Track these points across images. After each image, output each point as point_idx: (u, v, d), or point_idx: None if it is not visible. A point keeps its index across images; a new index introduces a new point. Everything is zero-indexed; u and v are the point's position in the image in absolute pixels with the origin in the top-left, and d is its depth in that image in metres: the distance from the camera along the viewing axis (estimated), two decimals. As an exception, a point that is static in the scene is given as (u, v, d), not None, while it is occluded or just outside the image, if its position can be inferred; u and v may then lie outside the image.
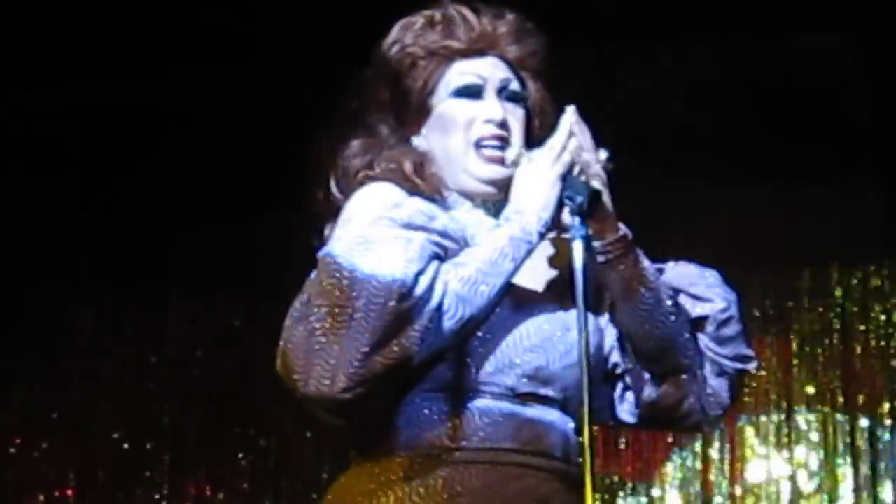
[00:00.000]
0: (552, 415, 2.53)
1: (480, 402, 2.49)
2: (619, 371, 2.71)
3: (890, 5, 5.05)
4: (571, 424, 2.57)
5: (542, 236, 2.53)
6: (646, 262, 2.61)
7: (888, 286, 6.04)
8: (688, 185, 5.45)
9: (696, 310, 2.66)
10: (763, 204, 5.59)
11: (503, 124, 2.64)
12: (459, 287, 2.42)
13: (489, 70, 2.69)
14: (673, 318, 2.61)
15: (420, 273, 2.38)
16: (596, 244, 2.57)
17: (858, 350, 6.03)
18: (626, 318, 2.63)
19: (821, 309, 6.00)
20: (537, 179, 2.53)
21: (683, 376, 2.65)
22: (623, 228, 2.60)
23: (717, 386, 2.66)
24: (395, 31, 2.71)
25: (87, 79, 5.59)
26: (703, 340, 2.66)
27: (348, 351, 2.32)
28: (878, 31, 5.28)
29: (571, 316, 2.55)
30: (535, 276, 2.63)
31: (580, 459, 2.49)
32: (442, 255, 2.46)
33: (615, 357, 2.70)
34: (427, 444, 2.47)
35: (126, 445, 6.24)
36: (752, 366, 2.70)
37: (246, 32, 5.33)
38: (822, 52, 5.38)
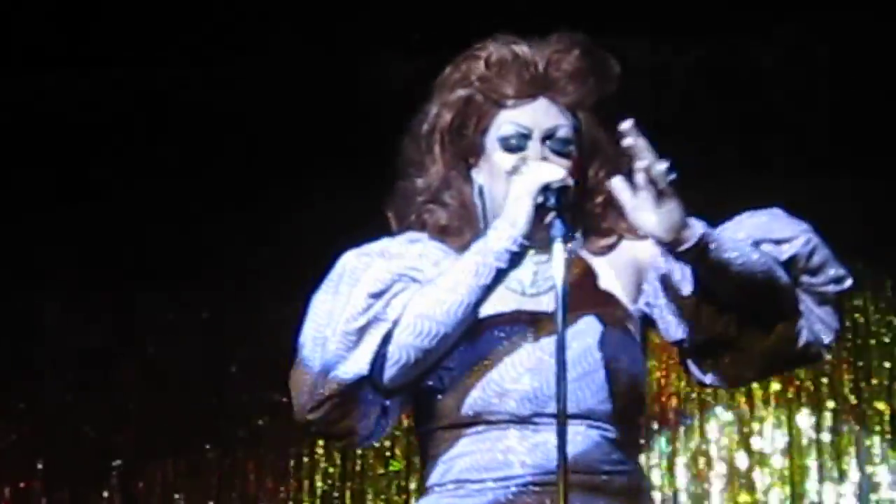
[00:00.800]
0: (573, 430, 2.52)
1: (492, 433, 2.58)
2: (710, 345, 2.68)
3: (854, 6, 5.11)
4: (596, 433, 2.59)
5: (517, 254, 2.54)
6: (727, 246, 2.56)
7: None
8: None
9: (784, 253, 2.65)
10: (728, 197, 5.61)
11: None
12: (422, 305, 2.52)
13: (536, 118, 2.69)
14: (767, 274, 2.59)
15: (374, 295, 2.52)
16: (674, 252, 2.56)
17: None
18: (723, 291, 2.61)
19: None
20: (511, 196, 2.56)
21: (793, 318, 2.66)
22: (695, 233, 2.54)
23: (824, 313, 2.67)
24: (455, 65, 2.75)
25: (53, 67, 5.58)
26: (799, 276, 2.66)
27: (310, 374, 2.52)
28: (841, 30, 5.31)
29: (577, 329, 2.59)
30: (542, 296, 2.67)
31: (609, 468, 2.59)
32: (407, 283, 2.56)
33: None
34: (453, 478, 2.62)
35: (93, 437, 6.20)
36: (848, 283, 2.71)
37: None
38: (785, 48, 5.41)
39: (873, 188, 5.50)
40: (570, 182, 2.56)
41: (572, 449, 2.47)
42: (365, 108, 5.28)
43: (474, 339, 2.62)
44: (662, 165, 2.48)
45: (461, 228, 2.72)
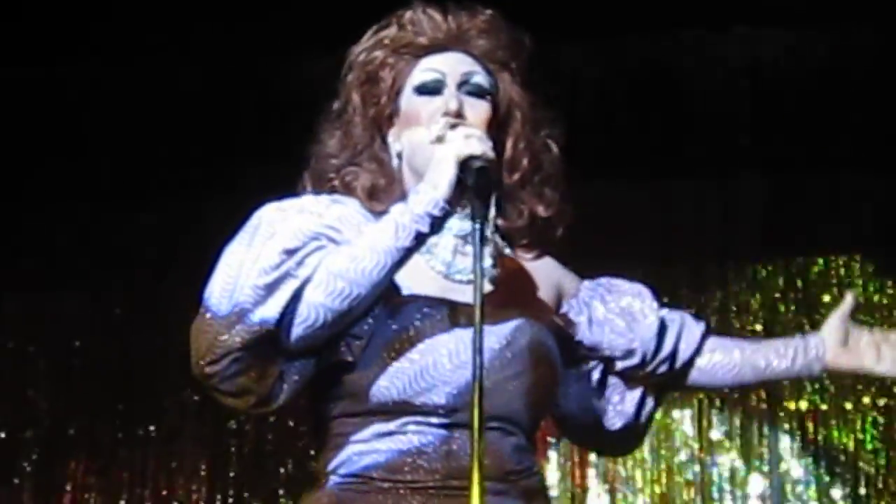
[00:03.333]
0: (490, 435, 2.46)
1: (410, 427, 2.52)
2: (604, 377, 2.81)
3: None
4: (514, 439, 2.55)
5: (438, 218, 2.48)
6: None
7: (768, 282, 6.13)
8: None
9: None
10: (648, 198, 5.65)
11: (459, 116, 2.61)
12: (337, 264, 2.44)
13: (450, 65, 2.68)
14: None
15: (288, 251, 2.43)
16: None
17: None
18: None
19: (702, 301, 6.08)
20: (434, 159, 2.51)
21: None
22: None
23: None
24: (366, 36, 2.73)
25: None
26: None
27: (214, 325, 2.43)
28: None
29: (513, 326, 2.56)
30: (466, 285, 2.60)
31: (520, 470, 2.55)
32: (324, 242, 2.48)
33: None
34: (358, 471, 2.53)
35: (3, 435, 6.22)
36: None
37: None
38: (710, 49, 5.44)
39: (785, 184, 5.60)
40: (491, 156, 2.50)
41: (489, 454, 2.39)
42: (283, 107, 5.26)
43: (395, 315, 2.56)
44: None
45: (386, 191, 2.67)
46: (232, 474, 6.22)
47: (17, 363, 6.24)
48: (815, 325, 5.98)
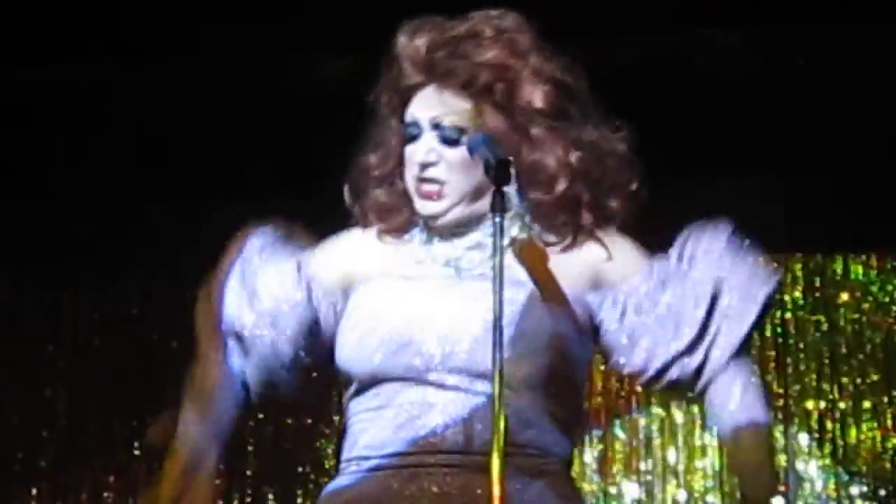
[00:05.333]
0: (460, 403, 2.53)
1: (384, 405, 2.56)
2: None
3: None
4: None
5: None
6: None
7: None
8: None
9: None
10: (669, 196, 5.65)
11: (425, 166, 2.61)
12: None
13: (423, 108, 2.66)
14: None
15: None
16: None
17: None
18: None
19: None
20: None
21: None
22: None
23: None
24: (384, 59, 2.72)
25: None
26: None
27: None
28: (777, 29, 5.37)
29: (522, 305, 2.54)
30: (446, 256, 2.65)
31: (518, 449, 2.50)
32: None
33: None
34: (354, 455, 2.59)
35: (20, 433, 6.24)
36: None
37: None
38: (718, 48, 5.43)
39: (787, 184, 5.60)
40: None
41: (477, 421, 2.48)
42: (294, 107, 5.30)
43: (374, 292, 2.62)
44: None
45: (395, 211, 2.72)
46: (249, 472, 6.23)
47: (34, 363, 6.26)
48: (834, 324, 6.22)
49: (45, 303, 6.26)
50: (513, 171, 2.49)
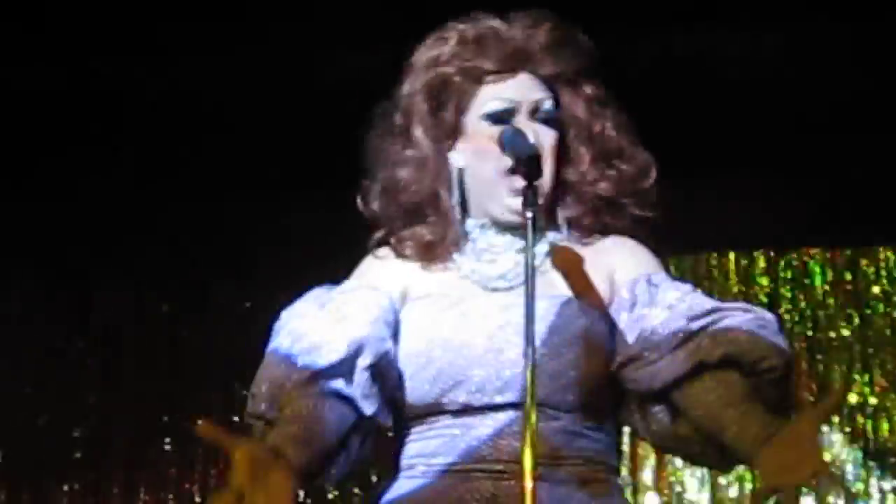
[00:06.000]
0: (511, 419, 2.55)
1: (438, 424, 2.60)
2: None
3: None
4: (558, 423, 2.56)
5: None
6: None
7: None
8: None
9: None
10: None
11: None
12: None
13: (521, 92, 2.69)
14: None
15: None
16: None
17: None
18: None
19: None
20: None
21: None
22: None
23: None
24: (427, 46, 2.74)
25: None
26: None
27: None
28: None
29: (556, 311, 2.56)
30: (488, 277, 2.68)
31: (568, 460, 2.56)
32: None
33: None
34: (402, 465, 2.65)
35: (52, 430, 6.22)
36: None
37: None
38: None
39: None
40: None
41: (514, 442, 2.50)
42: (321, 105, 5.28)
43: (416, 320, 2.63)
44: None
45: (443, 238, 2.73)
46: None
47: (64, 361, 6.26)
48: (865, 318, 6.19)
49: (75, 300, 6.26)
50: (545, 168, 2.60)
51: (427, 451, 2.62)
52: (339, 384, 2.55)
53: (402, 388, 2.64)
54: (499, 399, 2.57)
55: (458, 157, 2.72)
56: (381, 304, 2.65)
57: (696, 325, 2.51)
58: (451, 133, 2.72)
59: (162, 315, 6.16)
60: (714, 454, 2.51)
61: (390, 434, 2.71)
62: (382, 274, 2.72)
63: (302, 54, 5.41)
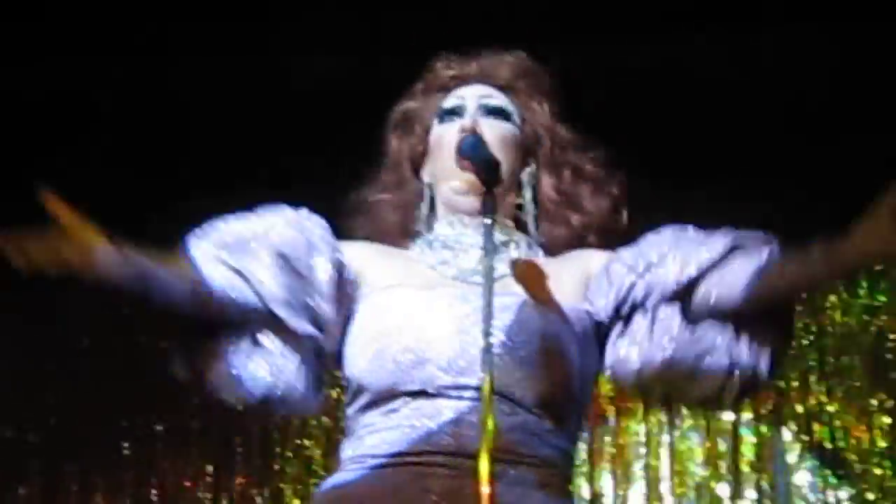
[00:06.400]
0: (468, 411, 2.58)
1: (395, 415, 2.63)
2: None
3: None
4: (515, 418, 2.59)
5: None
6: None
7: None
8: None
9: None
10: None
11: (473, 131, 2.76)
12: None
13: (470, 92, 2.87)
14: None
15: None
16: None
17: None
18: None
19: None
20: None
21: None
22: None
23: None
24: (404, 94, 2.98)
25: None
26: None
27: None
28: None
29: (500, 299, 2.56)
30: (454, 270, 2.77)
31: (522, 459, 2.59)
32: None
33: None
34: (360, 454, 2.65)
35: (9, 435, 6.31)
36: None
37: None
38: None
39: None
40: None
41: (473, 429, 2.51)
42: (296, 109, 5.30)
43: (378, 304, 2.69)
44: None
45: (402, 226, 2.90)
46: (238, 473, 6.31)
47: (23, 365, 6.24)
48: (822, 328, 6.23)
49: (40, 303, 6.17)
50: (502, 173, 2.67)
51: (385, 443, 2.64)
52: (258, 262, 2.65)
53: (354, 369, 2.69)
54: (462, 381, 2.60)
55: (427, 174, 2.89)
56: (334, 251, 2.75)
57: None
58: (421, 155, 2.92)
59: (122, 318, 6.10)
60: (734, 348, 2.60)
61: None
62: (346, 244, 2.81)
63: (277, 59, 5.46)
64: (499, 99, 2.89)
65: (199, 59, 5.46)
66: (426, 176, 2.90)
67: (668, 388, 2.74)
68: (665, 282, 2.68)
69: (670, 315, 2.70)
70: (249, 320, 2.68)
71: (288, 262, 2.69)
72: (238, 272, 2.67)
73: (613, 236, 2.86)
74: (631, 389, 2.82)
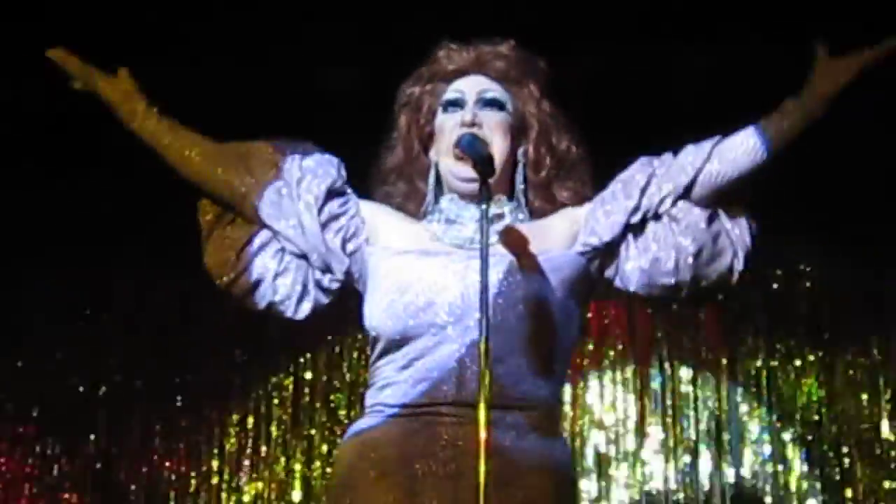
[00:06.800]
0: (472, 358, 2.70)
1: (407, 366, 2.77)
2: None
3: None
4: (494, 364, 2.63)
5: None
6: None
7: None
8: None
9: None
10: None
11: (472, 125, 2.93)
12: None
13: (469, 85, 3.00)
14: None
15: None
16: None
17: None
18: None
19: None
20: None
21: None
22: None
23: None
24: (410, 76, 3.11)
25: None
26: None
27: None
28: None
29: (492, 259, 2.66)
30: (454, 238, 2.91)
31: (522, 398, 2.73)
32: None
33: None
34: (377, 403, 2.82)
35: (81, 390, 6.62)
36: None
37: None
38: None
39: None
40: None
41: (473, 384, 2.64)
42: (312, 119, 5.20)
43: (389, 263, 2.84)
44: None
45: (411, 199, 3.03)
46: (276, 421, 6.62)
47: (90, 328, 6.60)
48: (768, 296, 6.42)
49: (96, 279, 6.51)
50: (496, 165, 2.85)
51: (397, 394, 2.76)
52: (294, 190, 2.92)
53: (372, 319, 2.81)
54: (462, 323, 2.72)
55: (433, 153, 3.02)
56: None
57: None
58: (429, 135, 3.03)
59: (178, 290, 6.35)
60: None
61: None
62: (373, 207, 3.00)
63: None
64: (495, 91, 2.97)
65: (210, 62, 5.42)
66: (433, 154, 3.00)
67: (695, 279, 2.88)
68: (675, 181, 2.87)
69: (686, 211, 2.88)
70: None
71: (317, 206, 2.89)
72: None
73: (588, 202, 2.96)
74: (658, 291, 2.91)
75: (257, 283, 2.93)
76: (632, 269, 2.90)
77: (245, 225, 2.97)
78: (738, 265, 2.86)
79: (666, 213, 2.89)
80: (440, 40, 3.09)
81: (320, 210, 2.92)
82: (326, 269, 2.94)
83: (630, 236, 2.91)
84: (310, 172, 2.94)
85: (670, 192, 2.88)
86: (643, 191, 2.90)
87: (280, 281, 2.94)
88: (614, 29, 5.33)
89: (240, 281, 2.93)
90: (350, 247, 2.94)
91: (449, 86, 3.01)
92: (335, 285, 2.95)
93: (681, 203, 2.89)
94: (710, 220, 2.88)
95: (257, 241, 2.96)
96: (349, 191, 2.98)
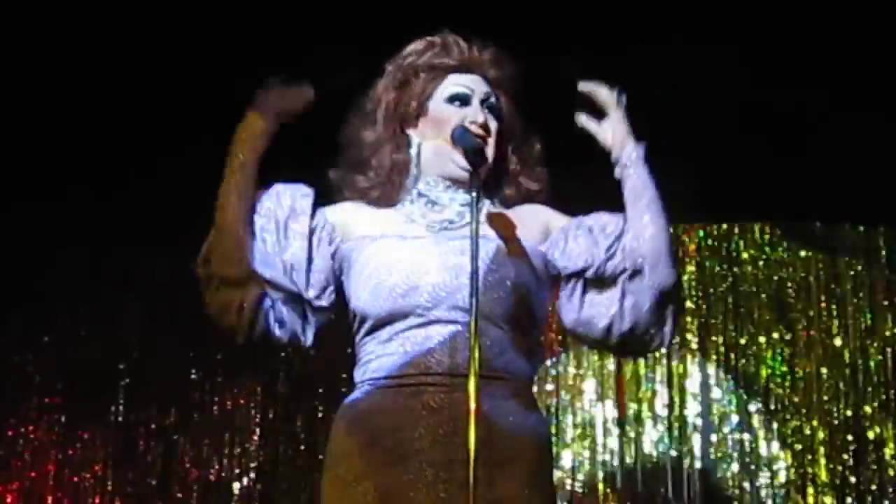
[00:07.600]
0: (452, 335, 2.82)
1: (392, 341, 2.87)
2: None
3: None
4: (488, 339, 2.79)
5: None
6: (646, 176, 2.95)
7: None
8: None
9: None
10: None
11: (484, 127, 3.03)
12: None
13: (476, 84, 3.07)
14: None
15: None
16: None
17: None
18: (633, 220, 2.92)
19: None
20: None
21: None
22: (634, 147, 2.95)
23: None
24: (405, 51, 3.14)
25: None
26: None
27: None
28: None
29: (487, 247, 2.82)
30: (435, 221, 3.01)
31: (502, 368, 2.85)
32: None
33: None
34: (362, 377, 2.93)
35: (102, 362, 6.75)
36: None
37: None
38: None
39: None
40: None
41: (461, 355, 2.77)
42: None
43: (376, 246, 2.93)
44: (606, 90, 2.99)
45: (383, 189, 3.06)
46: (280, 393, 6.77)
47: (111, 306, 6.74)
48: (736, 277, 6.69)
49: (119, 261, 6.61)
50: (488, 156, 2.98)
51: (383, 367, 2.85)
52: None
53: (358, 302, 2.91)
54: (447, 304, 2.82)
55: (416, 133, 3.06)
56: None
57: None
58: (414, 116, 3.06)
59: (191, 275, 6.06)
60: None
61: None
62: (338, 211, 3.04)
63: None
64: (494, 98, 3.05)
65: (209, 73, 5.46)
66: (416, 135, 3.04)
67: (621, 344, 2.98)
68: (636, 262, 2.94)
69: (638, 290, 2.95)
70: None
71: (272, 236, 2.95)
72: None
73: (551, 198, 3.10)
74: (587, 341, 3.03)
75: (266, 338, 3.04)
76: (567, 308, 3.02)
77: (237, 288, 3.03)
78: (666, 340, 2.99)
79: (622, 283, 2.98)
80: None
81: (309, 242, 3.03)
82: (319, 293, 3.03)
83: (579, 282, 3.02)
84: (271, 216, 3.03)
85: (627, 269, 2.99)
86: (608, 258, 3.00)
87: (282, 331, 3.05)
88: (598, 31, 5.41)
89: (253, 338, 3.04)
90: (330, 249, 3.05)
91: (447, 77, 3.08)
92: (325, 302, 3.05)
93: (636, 279, 2.98)
94: (658, 303, 2.97)
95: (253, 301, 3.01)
96: (308, 208, 3.04)
